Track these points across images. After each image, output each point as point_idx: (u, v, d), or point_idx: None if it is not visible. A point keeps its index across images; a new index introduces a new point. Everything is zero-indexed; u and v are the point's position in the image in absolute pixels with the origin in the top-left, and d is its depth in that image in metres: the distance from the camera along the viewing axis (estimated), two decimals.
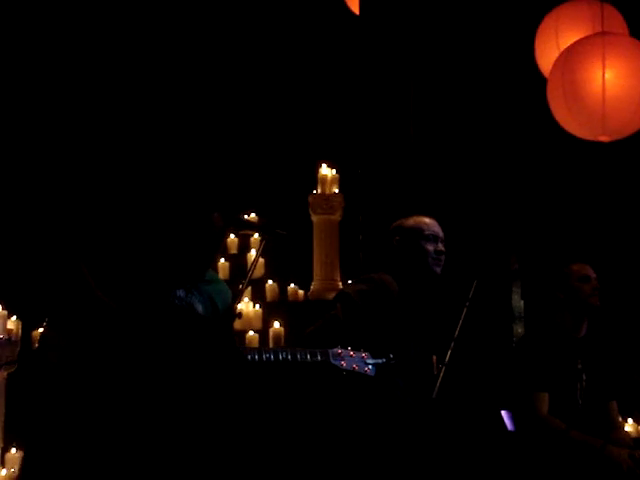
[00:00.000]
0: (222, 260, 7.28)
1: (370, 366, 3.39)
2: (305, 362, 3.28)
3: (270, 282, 7.23)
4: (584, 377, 4.46)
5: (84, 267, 3.24)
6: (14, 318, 6.26)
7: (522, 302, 6.30)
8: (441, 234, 4.07)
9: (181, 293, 3.36)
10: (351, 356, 3.37)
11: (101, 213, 6.90)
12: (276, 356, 3.25)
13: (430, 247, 4.01)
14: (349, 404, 3.69)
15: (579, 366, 4.47)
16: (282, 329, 6.65)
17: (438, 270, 4.03)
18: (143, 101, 7.52)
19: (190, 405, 3.09)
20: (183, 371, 3.10)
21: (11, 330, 6.15)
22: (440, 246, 4.04)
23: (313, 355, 3.31)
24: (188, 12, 7.66)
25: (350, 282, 4.31)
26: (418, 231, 4.04)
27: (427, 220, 4.09)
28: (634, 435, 6.06)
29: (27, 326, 6.31)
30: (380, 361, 3.42)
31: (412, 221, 4.09)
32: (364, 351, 3.43)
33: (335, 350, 3.36)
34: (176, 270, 3.36)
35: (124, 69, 7.50)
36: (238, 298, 3.46)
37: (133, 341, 3.10)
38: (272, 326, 6.69)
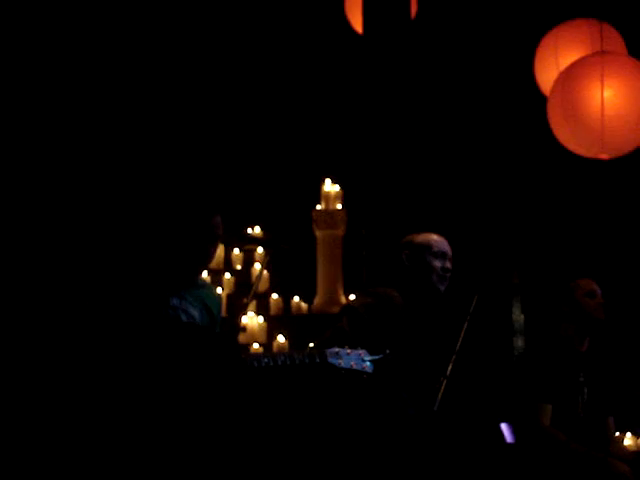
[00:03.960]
0: (227, 275, 7.34)
1: (368, 363, 3.43)
2: (304, 364, 3.32)
3: (274, 296, 7.28)
4: (585, 391, 4.50)
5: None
6: None
7: (522, 316, 6.35)
8: (449, 252, 4.10)
9: (175, 301, 3.40)
10: (348, 354, 3.40)
11: (99, 215, 6.90)
12: (275, 360, 3.30)
13: (437, 264, 4.05)
14: (349, 405, 3.73)
15: (581, 379, 4.50)
16: (286, 342, 6.70)
17: (442, 288, 4.06)
18: (147, 107, 7.55)
19: (191, 411, 3.14)
20: (183, 378, 3.14)
21: None
22: (447, 264, 4.07)
23: (311, 357, 3.36)
24: (193, 31, 7.71)
25: (356, 296, 4.36)
26: (426, 247, 4.07)
27: (436, 237, 4.12)
28: (633, 449, 6.09)
29: None
30: (377, 357, 3.45)
31: (421, 237, 4.12)
32: (361, 348, 3.47)
33: (332, 350, 3.39)
34: (171, 273, 3.40)
35: (129, 78, 7.52)
36: (243, 311, 3.50)
37: (132, 348, 3.14)
38: (276, 339, 6.76)
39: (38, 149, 7.03)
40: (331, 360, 3.35)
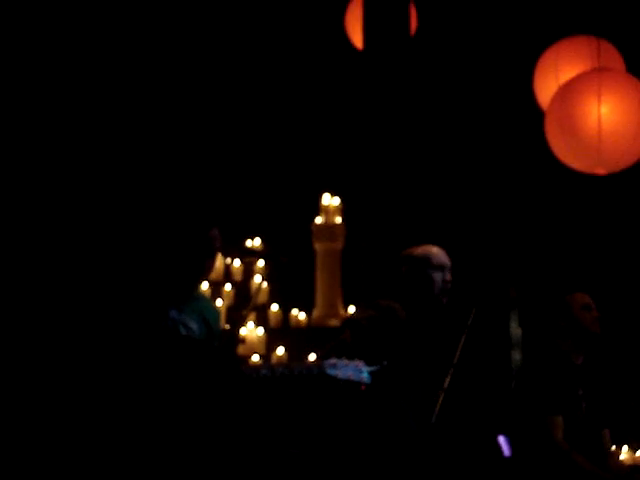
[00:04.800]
0: (227, 286, 7.36)
1: (365, 374, 3.44)
2: (302, 375, 3.33)
3: (274, 308, 7.30)
4: (584, 405, 4.51)
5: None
6: None
7: (520, 330, 6.36)
8: (449, 264, 4.12)
9: (174, 314, 3.42)
10: (346, 365, 3.41)
11: (98, 226, 6.90)
12: (273, 372, 3.31)
13: (437, 276, 4.08)
14: (347, 416, 3.75)
15: (580, 393, 4.53)
16: (285, 354, 6.72)
17: (444, 300, 4.10)
18: (146, 119, 7.56)
19: (189, 423, 3.15)
20: (181, 391, 3.16)
21: None
22: (447, 276, 4.08)
23: (309, 368, 3.38)
24: (194, 47, 7.75)
25: (358, 308, 4.38)
26: (426, 260, 4.08)
27: (435, 250, 4.13)
28: (629, 463, 6.10)
29: None
30: (375, 368, 3.47)
31: (420, 250, 4.13)
32: (358, 359, 3.48)
33: (330, 361, 3.41)
34: (169, 285, 3.41)
35: (129, 83, 7.53)
36: (242, 323, 3.52)
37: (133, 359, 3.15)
38: (275, 351, 6.78)
39: (36, 157, 7.03)
40: (329, 371, 3.36)
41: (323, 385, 3.37)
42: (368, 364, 3.40)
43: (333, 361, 3.38)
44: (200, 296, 3.65)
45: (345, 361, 3.39)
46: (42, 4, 7.07)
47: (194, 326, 3.44)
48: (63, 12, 7.12)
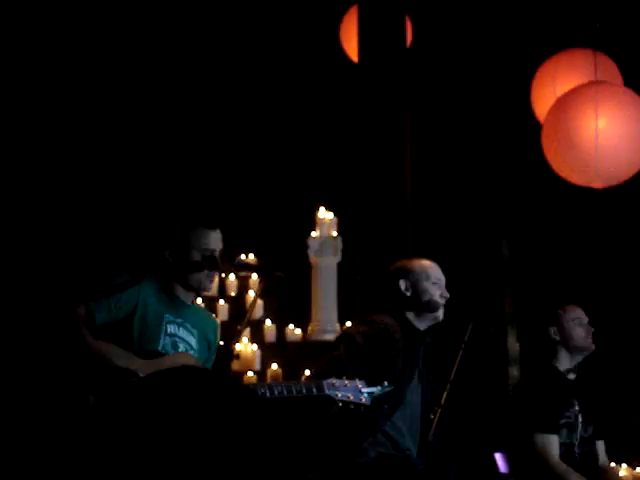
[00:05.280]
0: (221, 301, 7.32)
1: (366, 395, 3.39)
2: (301, 395, 3.28)
3: (268, 323, 7.25)
4: (580, 419, 4.49)
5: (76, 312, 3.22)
6: None
7: (517, 345, 6.33)
8: (444, 278, 4.08)
9: (173, 328, 3.36)
10: (345, 386, 3.36)
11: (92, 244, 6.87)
12: (271, 391, 3.26)
13: (436, 291, 4.01)
14: (344, 436, 3.69)
15: (576, 408, 4.49)
16: (280, 370, 6.67)
17: (441, 315, 4.06)
18: (140, 128, 7.54)
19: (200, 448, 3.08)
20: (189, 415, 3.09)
21: None
22: (445, 292, 4.04)
23: (308, 388, 3.32)
24: (188, 58, 7.74)
25: (352, 324, 4.33)
26: (423, 275, 4.02)
27: (430, 264, 4.08)
28: (629, 479, 6.06)
29: None
30: (375, 389, 3.42)
31: (416, 265, 4.07)
32: (359, 380, 3.43)
33: (329, 381, 3.35)
34: (168, 296, 3.35)
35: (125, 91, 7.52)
36: (236, 339, 3.46)
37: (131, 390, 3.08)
38: (270, 367, 6.72)
39: (35, 154, 6.99)
40: (328, 392, 3.31)
41: (322, 405, 3.31)
42: (368, 384, 3.35)
43: (333, 381, 3.33)
44: (200, 310, 3.60)
45: (345, 381, 3.34)
46: (42, 4, 7.04)
47: (192, 341, 3.39)
48: (63, 12, 7.10)
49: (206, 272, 3.46)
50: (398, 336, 3.94)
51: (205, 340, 3.50)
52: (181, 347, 3.38)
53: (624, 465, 6.13)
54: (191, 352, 3.40)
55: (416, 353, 4.00)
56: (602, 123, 5.48)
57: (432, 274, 4.04)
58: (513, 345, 6.28)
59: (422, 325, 4.03)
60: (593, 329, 4.55)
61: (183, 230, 3.49)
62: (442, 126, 6.95)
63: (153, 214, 6.80)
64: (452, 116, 7.00)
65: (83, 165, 7.25)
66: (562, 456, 4.35)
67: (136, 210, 7.14)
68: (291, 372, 6.56)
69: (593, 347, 4.53)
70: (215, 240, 3.50)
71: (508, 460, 4.62)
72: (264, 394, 3.24)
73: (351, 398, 3.32)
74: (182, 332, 3.40)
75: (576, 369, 4.57)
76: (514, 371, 6.22)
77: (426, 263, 4.09)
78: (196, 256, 3.44)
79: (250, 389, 3.34)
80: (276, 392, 3.26)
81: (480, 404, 5.83)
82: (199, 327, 3.49)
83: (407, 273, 4.05)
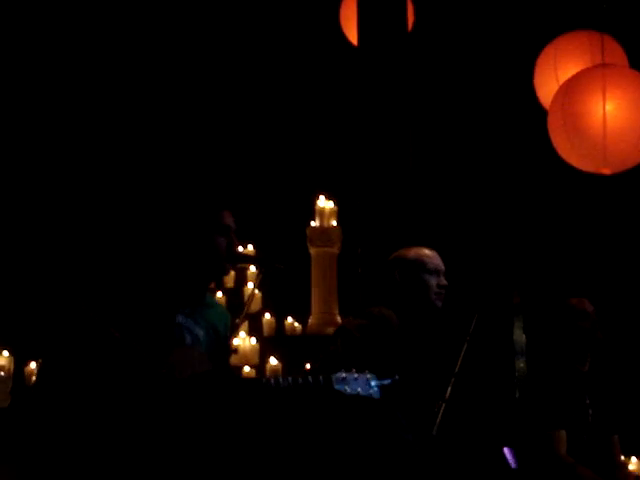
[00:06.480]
0: (219, 294, 7.20)
1: (375, 388, 3.31)
2: (308, 388, 3.20)
3: (267, 316, 7.14)
4: (590, 412, 4.43)
5: (81, 296, 3.14)
6: (6, 354, 6.15)
7: (524, 337, 6.23)
8: (443, 267, 4.01)
9: (181, 319, 3.27)
10: (355, 379, 3.28)
11: (98, 230, 6.83)
12: (277, 382, 3.18)
13: (433, 281, 3.95)
14: (352, 432, 3.61)
15: (587, 402, 4.43)
16: (279, 364, 6.55)
17: (440, 304, 3.97)
18: (141, 119, 7.49)
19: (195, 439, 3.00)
20: (186, 403, 3.01)
21: (2, 366, 6.04)
22: (442, 280, 3.98)
23: (316, 382, 3.24)
24: (187, 45, 7.65)
25: (350, 317, 4.25)
26: (420, 264, 3.96)
27: (429, 253, 4.02)
28: (639, 474, 5.98)
29: (19, 361, 6.20)
30: (385, 382, 3.33)
31: (413, 254, 4.01)
32: (368, 372, 3.34)
33: (339, 375, 3.27)
34: (178, 289, 3.25)
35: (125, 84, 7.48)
36: (234, 333, 3.37)
37: (137, 370, 3.00)
38: (269, 361, 6.61)
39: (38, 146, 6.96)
40: (337, 387, 3.22)
41: (330, 401, 3.22)
42: (379, 377, 3.25)
43: (342, 375, 3.23)
44: (214, 304, 3.48)
45: (355, 374, 3.23)
46: (42, 4, 7.00)
47: (200, 332, 3.28)
48: (63, 12, 7.05)
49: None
50: (396, 327, 3.86)
51: (214, 332, 3.40)
52: (188, 338, 3.28)
53: (634, 459, 6.06)
54: (198, 346, 3.30)
55: (416, 345, 3.91)
56: (610, 107, 5.36)
57: (429, 263, 3.95)
58: (519, 337, 6.17)
59: (419, 315, 3.93)
60: (598, 320, 4.50)
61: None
62: (445, 112, 6.83)
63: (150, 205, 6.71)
64: (455, 101, 6.88)
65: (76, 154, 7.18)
66: (572, 450, 4.30)
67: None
68: (291, 366, 6.45)
69: (600, 340, 4.48)
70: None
71: (516, 455, 4.53)
72: (269, 384, 3.15)
73: (360, 393, 3.23)
74: (189, 323, 3.30)
75: (586, 362, 4.51)
76: (520, 364, 6.11)
77: (423, 252, 4.00)
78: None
79: (255, 382, 3.24)
80: (282, 384, 3.16)
81: (486, 398, 5.73)
82: (208, 318, 3.39)
83: (403, 263, 3.97)
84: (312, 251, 7.21)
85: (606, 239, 6.87)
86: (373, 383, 3.25)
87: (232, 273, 7.49)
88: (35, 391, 3.04)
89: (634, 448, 5.88)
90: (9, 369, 6.10)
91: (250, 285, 7.31)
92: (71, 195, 7.02)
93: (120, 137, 7.35)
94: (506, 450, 4.61)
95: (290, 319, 7.21)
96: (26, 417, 2.99)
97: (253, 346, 6.80)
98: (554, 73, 5.97)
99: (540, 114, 5.92)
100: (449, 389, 3.99)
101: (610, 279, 6.65)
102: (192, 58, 7.60)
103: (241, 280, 7.48)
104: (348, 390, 3.21)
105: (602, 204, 6.73)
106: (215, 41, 7.62)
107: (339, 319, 7.02)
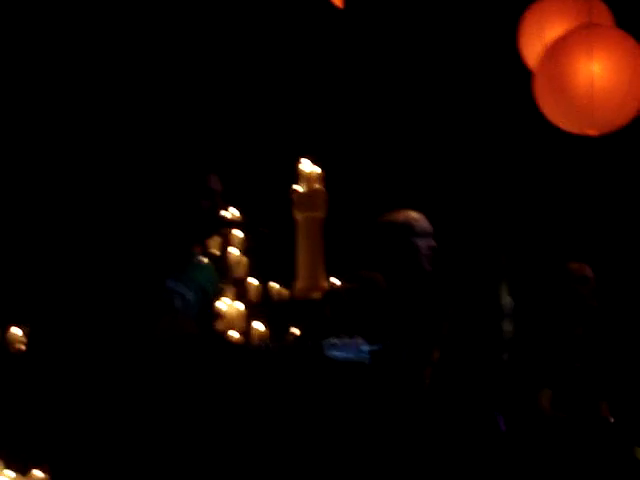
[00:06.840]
0: (204, 260, 7.15)
1: (366, 354, 3.30)
2: (298, 352, 3.20)
3: (253, 281, 7.11)
4: (580, 378, 4.45)
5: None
6: None
7: (510, 299, 6.24)
8: (431, 229, 4.02)
9: (171, 283, 3.25)
10: (346, 344, 3.28)
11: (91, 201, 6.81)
12: (268, 347, 3.19)
13: (422, 244, 3.96)
14: (343, 397, 3.62)
15: (577, 365, 4.46)
16: (266, 330, 6.54)
17: (429, 267, 3.98)
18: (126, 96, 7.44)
19: (186, 402, 2.99)
20: (177, 367, 3.00)
21: None
22: (432, 242, 3.99)
23: (305, 348, 3.23)
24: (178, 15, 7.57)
25: (338, 281, 4.27)
26: (409, 228, 3.98)
27: (416, 216, 4.05)
28: None
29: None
30: (376, 347, 3.33)
31: (401, 217, 4.03)
32: (359, 337, 3.33)
33: (329, 341, 3.27)
34: (165, 252, 3.23)
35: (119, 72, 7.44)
36: (219, 298, 3.37)
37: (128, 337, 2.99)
38: (255, 327, 6.58)
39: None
40: (327, 352, 3.21)
41: (320, 365, 3.22)
42: (370, 342, 3.25)
43: (333, 341, 3.23)
44: (203, 265, 3.46)
45: (346, 339, 3.23)
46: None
47: (190, 296, 3.26)
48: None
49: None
50: (384, 291, 3.87)
51: (203, 294, 3.39)
52: (178, 303, 3.27)
53: None
54: (188, 310, 3.28)
55: (405, 309, 3.88)
56: (598, 67, 5.35)
57: (417, 226, 3.99)
58: (506, 300, 6.19)
59: (409, 279, 3.93)
60: (595, 286, 4.51)
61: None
62: (429, 74, 6.78)
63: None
64: (439, 61, 6.83)
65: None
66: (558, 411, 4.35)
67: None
68: (277, 331, 6.44)
69: (595, 308, 4.51)
70: None
71: (505, 416, 4.55)
72: (260, 347, 3.16)
73: (351, 358, 3.23)
74: (180, 286, 3.29)
75: (579, 327, 4.53)
76: (508, 326, 6.13)
77: (410, 215, 4.04)
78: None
79: (243, 348, 3.25)
80: (275, 348, 3.17)
81: (473, 361, 5.74)
82: (197, 280, 3.38)
83: (391, 226, 3.98)
84: (298, 216, 7.17)
85: (596, 202, 6.88)
86: (364, 348, 3.24)
87: (217, 238, 7.44)
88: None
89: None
90: None
91: (234, 250, 7.27)
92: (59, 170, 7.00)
93: (109, 103, 7.30)
94: (495, 413, 4.63)
95: (276, 284, 7.19)
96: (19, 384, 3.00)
97: (239, 311, 6.79)
98: (540, 34, 5.93)
99: (525, 74, 5.88)
100: (436, 353, 4.01)
101: (602, 243, 6.66)
102: (172, 23, 7.53)
103: (225, 245, 7.44)
104: (339, 356, 3.20)
105: (591, 165, 6.73)
106: (196, 11, 7.55)
107: (325, 284, 7.02)
